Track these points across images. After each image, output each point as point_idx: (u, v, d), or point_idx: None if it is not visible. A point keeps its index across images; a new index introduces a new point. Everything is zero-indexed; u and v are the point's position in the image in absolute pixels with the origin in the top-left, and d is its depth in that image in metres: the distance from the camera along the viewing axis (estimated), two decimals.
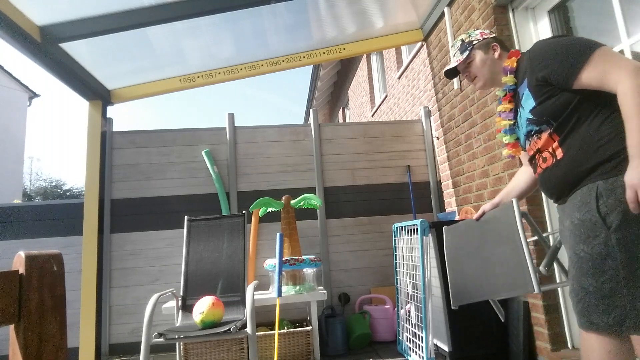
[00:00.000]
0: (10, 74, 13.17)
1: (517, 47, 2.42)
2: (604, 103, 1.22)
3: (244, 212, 2.91)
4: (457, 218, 3.05)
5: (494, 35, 1.60)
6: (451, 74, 1.67)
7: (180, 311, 2.63)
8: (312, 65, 8.39)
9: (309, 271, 3.02)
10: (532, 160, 1.45)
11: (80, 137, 53.69)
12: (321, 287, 3.27)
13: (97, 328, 3.22)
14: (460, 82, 3.02)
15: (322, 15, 3.32)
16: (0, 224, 3.56)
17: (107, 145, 3.55)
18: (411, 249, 2.69)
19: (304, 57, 3.70)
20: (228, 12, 2.91)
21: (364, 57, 7.50)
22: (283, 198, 3.22)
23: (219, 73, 3.68)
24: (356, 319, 3.13)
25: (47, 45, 2.70)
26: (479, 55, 1.56)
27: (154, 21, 2.82)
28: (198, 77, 3.66)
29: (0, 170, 12.13)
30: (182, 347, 2.73)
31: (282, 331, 2.84)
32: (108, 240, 3.43)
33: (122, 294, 3.39)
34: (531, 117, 1.37)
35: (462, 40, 1.60)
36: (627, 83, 1.12)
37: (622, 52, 1.88)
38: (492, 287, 1.52)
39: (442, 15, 3.22)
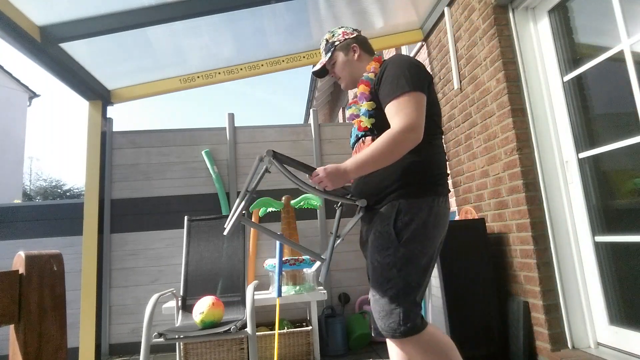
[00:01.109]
0: (10, 74, 13.16)
1: (517, 47, 2.42)
2: (424, 140, 1.31)
3: (244, 212, 2.91)
4: (457, 218, 3.05)
5: (355, 35, 1.60)
6: (321, 73, 1.67)
7: (180, 311, 2.63)
8: (312, 65, 8.38)
9: (309, 271, 3.02)
10: None
11: (80, 137, 53.70)
12: (321, 287, 3.27)
13: (97, 328, 3.22)
14: (460, 82, 3.02)
15: (322, 15, 3.32)
16: (0, 224, 3.56)
17: (107, 145, 3.55)
18: None
19: (304, 57, 3.70)
20: (228, 12, 2.91)
21: None
22: (283, 198, 3.22)
23: (219, 73, 3.67)
24: (356, 319, 3.13)
25: (47, 45, 2.70)
26: (340, 56, 1.58)
27: (154, 21, 2.83)
28: (198, 77, 3.66)
29: (0, 170, 12.13)
30: (182, 347, 2.73)
31: (282, 331, 2.84)
32: (108, 240, 3.43)
33: (122, 294, 3.39)
34: (367, 111, 1.46)
35: (327, 40, 1.61)
36: (395, 129, 1.26)
37: (622, 52, 1.88)
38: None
39: (442, 15, 3.22)
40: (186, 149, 3.64)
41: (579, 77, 2.17)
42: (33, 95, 14.36)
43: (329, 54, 1.58)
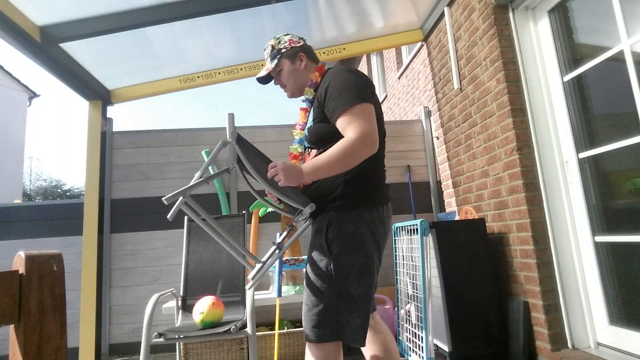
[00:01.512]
0: (10, 74, 13.16)
1: (517, 47, 2.42)
2: None
3: (244, 212, 2.91)
4: (457, 218, 3.05)
5: (302, 43, 1.60)
6: (265, 80, 1.65)
7: (180, 311, 2.63)
8: None
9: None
10: None
11: (80, 137, 53.70)
12: None
13: (97, 328, 3.22)
14: (460, 82, 3.02)
15: (322, 15, 3.32)
16: (0, 224, 3.56)
17: (107, 145, 3.54)
18: (411, 249, 2.69)
19: None
20: (228, 12, 2.91)
21: (364, 57, 7.50)
22: None
23: (219, 73, 3.67)
24: None
25: (47, 45, 2.70)
26: (286, 64, 1.57)
27: (154, 21, 2.82)
28: (198, 77, 3.66)
29: (0, 170, 12.13)
30: (182, 347, 2.73)
31: (282, 331, 2.84)
32: (108, 240, 3.43)
33: (122, 294, 3.39)
34: (306, 133, 1.48)
35: (272, 47, 1.59)
36: (351, 138, 1.26)
37: (622, 52, 1.88)
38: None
39: (442, 15, 3.22)
40: (186, 149, 3.64)
41: (579, 77, 2.17)
42: (33, 95, 14.36)
43: (275, 61, 1.57)
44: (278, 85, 1.62)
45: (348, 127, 1.29)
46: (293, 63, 1.56)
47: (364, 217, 1.34)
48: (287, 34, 1.63)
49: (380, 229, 1.38)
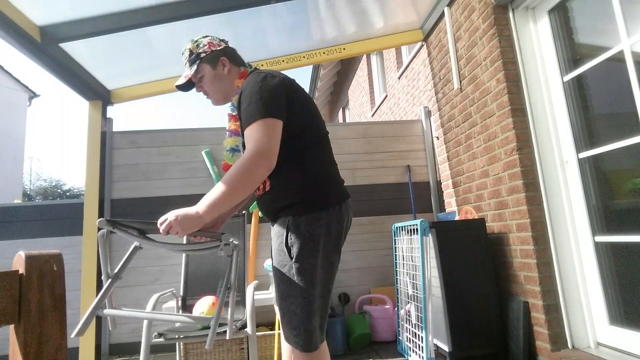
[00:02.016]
0: (10, 74, 13.16)
1: (517, 47, 2.42)
2: (301, 156, 1.35)
3: (243, 212, 2.91)
4: (457, 218, 3.05)
5: (223, 46, 1.51)
6: (186, 87, 1.55)
7: (180, 311, 2.63)
8: (312, 66, 8.39)
9: None
10: None
11: (80, 137, 53.71)
12: None
13: (97, 328, 3.22)
14: (460, 82, 3.02)
15: (322, 15, 3.32)
16: (0, 224, 3.56)
17: (107, 145, 3.54)
18: (411, 249, 2.70)
19: (304, 57, 3.70)
20: (228, 12, 2.91)
21: (364, 57, 7.50)
22: None
23: None
24: (356, 319, 3.12)
25: (47, 45, 2.70)
26: (207, 70, 1.47)
27: (154, 21, 2.82)
28: None
29: (0, 170, 12.13)
30: (182, 347, 2.73)
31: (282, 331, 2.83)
32: (108, 240, 3.43)
33: (122, 294, 3.39)
34: (243, 140, 1.39)
35: (190, 51, 1.49)
36: (244, 157, 1.22)
37: (622, 52, 1.88)
38: None
39: (442, 15, 3.22)
40: (186, 149, 3.64)
41: (579, 77, 2.17)
42: (33, 95, 14.37)
43: (194, 66, 1.47)
44: (201, 93, 1.51)
45: (248, 143, 1.26)
46: (215, 68, 1.47)
47: (321, 218, 1.32)
48: (206, 36, 1.52)
49: (338, 228, 1.36)
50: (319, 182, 1.36)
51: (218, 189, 1.20)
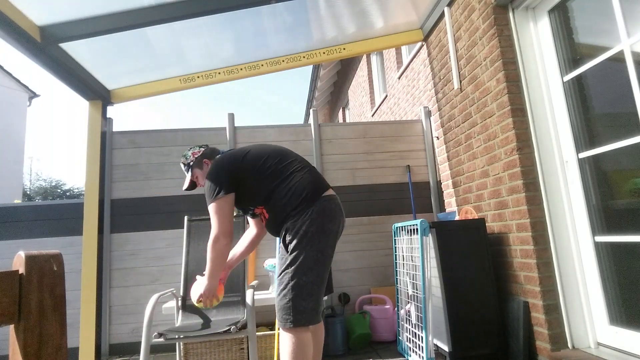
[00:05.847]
0: (10, 74, 13.17)
1: (517, 47, 2.42)
2: (278, 184, 1.73)
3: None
4: (457, 218, 3.05)
5: (202, 151, 1.99)
6: (191, 187, 2.03)
7: (180, 311, 2.63)
8: (312, 65, 8.39)
9: None
10: (257, 216, 1.95)
11: (80, 137, 53.70)
12: None
13: (97, 328, 3.22)
14: (460, 82, 3.02)
15: (322, 15, 3.32)
16: (0, 224, 3.56)
17: (107, 145, 3.55)
18: (411, 249, 2.69)
19: (304, 57, 3.70)
20: (228, 12, 2.91)
21: (364, 57, 7.50)
22: None
23: (219, 73, 3.67)
24: (356, 319, 3.12)
25: (47, 45, 2.70)
26: (197, 172, 1.97)
27: (154, 21, 2.82)
28: (198, 77, 3.66)
29: (0, 170, 12.13)
30: (182, 347, 2.73)
31: None
32: (108, 240, 3.43)
33: (122, 294, 3.39)
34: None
35: (183, 163, 2.00)
36: (210, 241, 1.74)
37: (622, 52, 1.88)
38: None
39: (442, 15, 3.22)
40: (186, 149, 3.64)
41: (579, 77, 2.17)
42: (33, 95, 14.37)
43: (189, 172, 1.97)
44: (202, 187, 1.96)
45: (211, 222, 1.73)
46: (202, 169, 1.96)
47: (311, 215, 1.64)
48: (190, 148, 2.02)
49: (326, 221, 1.67)
50: (300, 192, 1.69)
51: (209, 263, 1.75)
